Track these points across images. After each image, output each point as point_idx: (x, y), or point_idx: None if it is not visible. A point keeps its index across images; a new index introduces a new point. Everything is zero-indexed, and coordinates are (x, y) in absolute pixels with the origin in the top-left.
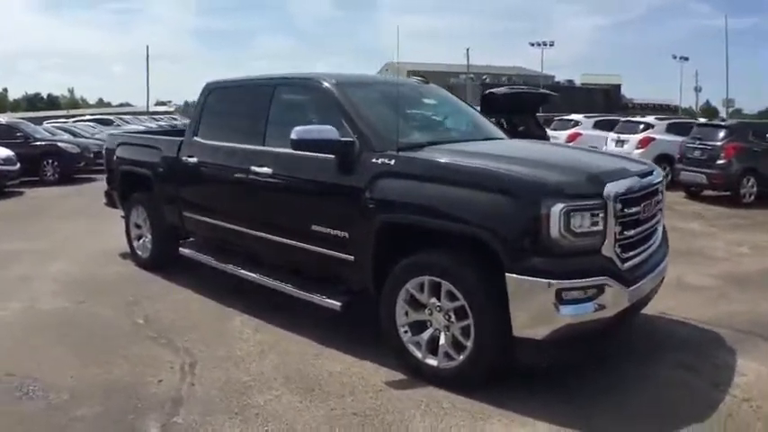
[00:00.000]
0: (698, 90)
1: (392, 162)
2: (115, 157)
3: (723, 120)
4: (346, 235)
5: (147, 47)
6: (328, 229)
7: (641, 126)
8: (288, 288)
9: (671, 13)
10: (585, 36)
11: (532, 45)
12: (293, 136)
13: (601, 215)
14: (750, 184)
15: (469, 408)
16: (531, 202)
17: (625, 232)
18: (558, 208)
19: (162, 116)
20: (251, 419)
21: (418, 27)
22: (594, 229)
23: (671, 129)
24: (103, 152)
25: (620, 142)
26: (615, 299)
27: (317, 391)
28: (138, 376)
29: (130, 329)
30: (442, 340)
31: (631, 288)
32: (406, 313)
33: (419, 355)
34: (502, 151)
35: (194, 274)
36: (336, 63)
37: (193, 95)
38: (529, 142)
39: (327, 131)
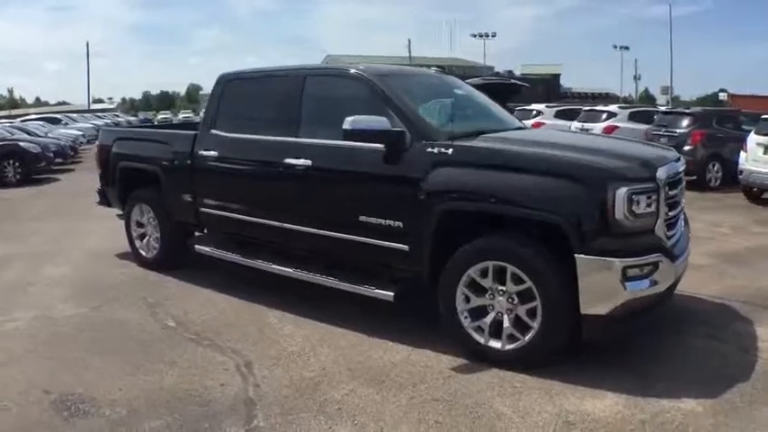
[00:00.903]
0: (637, 78)
1: (450, 151)
2: (112, 154)
3: (687, 108)
4: (400, 224)
5: (88, 43)
6: (379, 220)
7: (604, 115)
8: (333, 281)
9: (610, 1)
10: (525, 26)
11: (474, 36)
12: (347, 126)
13: (654, 197)
14: (716, 169)
15: (541, 385)
16: (598, 186)
17: (669, 213)
18: (622, 191)
19: (105, 113)
20: (335, 415)
21: (358, 17)
22: (650, 210)
23: (633, 117)
24: (96, 149)
25: (584, 131)
26: (666, 274)
27: (387, 381)
28: (194, 382)
29: (164, 333)
30: (506, 323)
31: (676, 264)
32: (467, 299)
33: (481, 339)
34: (552, 139)
35: (206, 271)
36: (273, 55)
37: (131, 92)
38: (561, 131)
39: (380, 122)
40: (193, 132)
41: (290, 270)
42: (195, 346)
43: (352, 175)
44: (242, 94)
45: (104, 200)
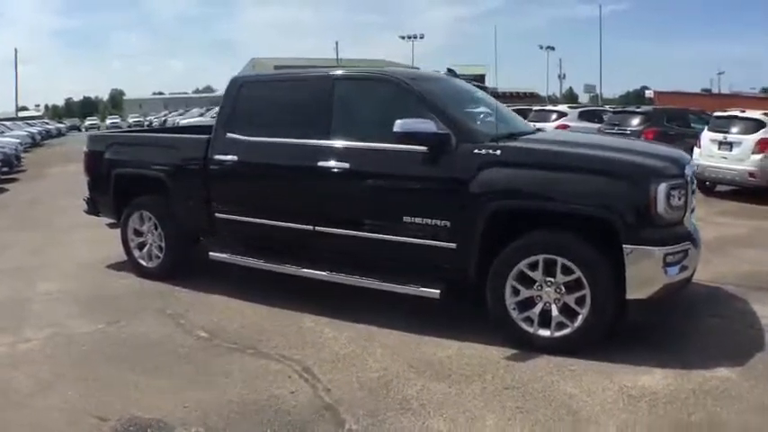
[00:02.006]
0: (562, 77)
1: (498, 152)
2: (104, 160)
3: (638, 106)
4: (447, 224)
5: (16, 50)
6: (425, 220)
7: (554, 115)
8: (375, 283)
9: (534, 2)
10: (449, 28)
11: (403, 38)
12: (397, 128)
13: (683, 191)
14: None
15: (594, 367)
16: (644, 183)
17: (691, 205)
18: (663, 187)
19: (34, 121)
20: (421, 411)
21: (283, 21)
22: (681, 203)
23: (583, 116)
24: (84, 155)
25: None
26: (693, 260)
27: (453, 375)
28: (260, 391)
29: (200, 344)
30: (554, 312)
31: (698, 250)
32: (516, 291)
33: (530, 329)
34: (585, 140)
35: (214, 279)
36: (198, 59)
37: (54, 98)
38: (585, 134)
39: (427, 124)
40: (206, 136)
41: (325, 273)
42: (241, 355)
43: (395, 177)
44: (262, 97)
45: (93, 209)
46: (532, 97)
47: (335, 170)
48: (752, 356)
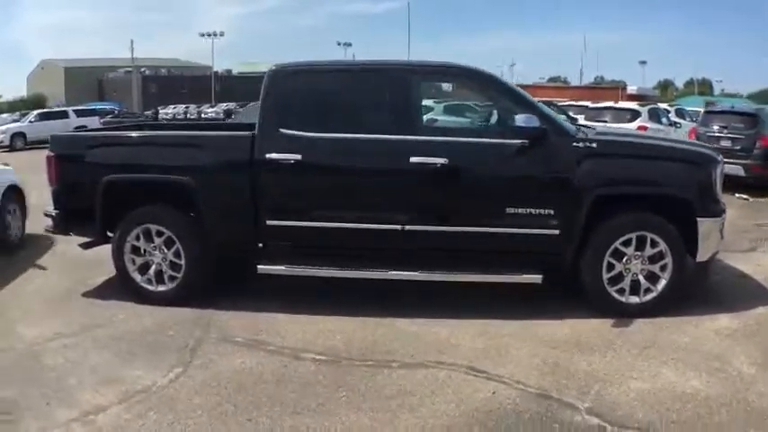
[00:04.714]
0: None
1: (594, 145)
2: (85, 165)
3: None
4: (551, 211)
5: None
6: (529, 210)
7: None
8: (477, 276)
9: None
10: (236, 25)
11: (203, 35)
12: (522, 123)
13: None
14: None
15: (680, 321)
16: (708, 167)
17: None
18: (718, 170)
19: None
20: (609, 378)
21: (69, 21)
22: (720, 182)
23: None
24: (48, 160)
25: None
26: (724, 230)
27: (593, 347)
28: (472, 400)
29: (332, 368)
30: (642, 280)
31: None
32: (610, 267)
33: (622, 298)
34: (647, 134)
35: (232, 294)
36: None
37: None
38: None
39: (534, 119)
40: (249, 133)
41: (417, 273)
42: (392, 371)
43: (498, 169)
44: (322, 88)
45: (62, 226)
46: None
47: (432, 166)
48: None
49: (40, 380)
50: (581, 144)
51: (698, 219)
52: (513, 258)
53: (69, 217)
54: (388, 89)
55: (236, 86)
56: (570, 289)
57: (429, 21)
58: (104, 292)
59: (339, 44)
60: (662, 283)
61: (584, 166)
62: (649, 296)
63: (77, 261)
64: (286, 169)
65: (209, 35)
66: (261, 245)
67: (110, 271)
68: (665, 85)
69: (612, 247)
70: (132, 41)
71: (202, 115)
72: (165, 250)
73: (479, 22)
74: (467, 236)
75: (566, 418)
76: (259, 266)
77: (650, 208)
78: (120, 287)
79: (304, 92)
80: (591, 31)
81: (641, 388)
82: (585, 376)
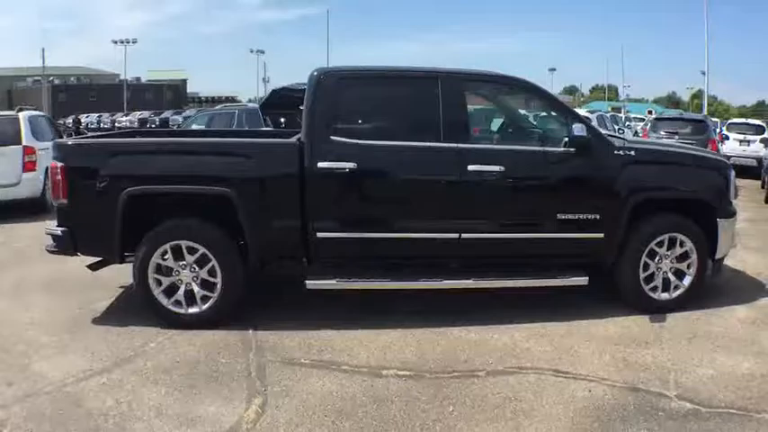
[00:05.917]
0: (266, 81)
1: (632, 153)
2: (104, 177)
3: None
4: (597, 216)
5: None
6: (578, 215)
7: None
8: (526, 281)
9: (225, 6)
10: (141, 33)
11: (115, 42)
12: (580, 132)
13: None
14: None
15: (706, 313)
16: (724, 171)
17: None
18: (732, 176)
19: None
20: (688, 362)
21: None
22: (733, 187)
23: None
24: (54, 171)
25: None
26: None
27: (648, 341)
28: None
29: (426, 386)
30: (671, 278)
31: None
32: (645, 266)
33: (655, 295)
34: (668, 143)
35: (256, 310)
36: None
37: None
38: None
39: (584, 129)
40: (296, 141)
41: (471, 281)
42: (515, 378)
43: (551, 177)
44: (374, 95)
45: (68, 245)
46: (233, 101)
47: (489, 174)
48: None
49: (97, 430)
50: (622, 152)
51: (718, 219)
52: (561, 262)
53: (78, 235)
54: (441, 97)
55: (145, 94)
56: (608, 289)
57: (344, 26)
58: (115, 316)
59: (252, 51)
60: (687, 280)
61: (625, 172)
62: (677, 292)
63: (66, 282)
64: (340, 178)
65: (122, 42)
66: (308, 259)
67: (110, 292)
68: (571, 91)
69: (649, 247)
70: (43, 50)
71: (116, 124)
72: (197, 268)
73: (382, 29)
74: (521, 242)
75: (664, 405)
76: (307, 282)
77: (676, 210)
78: (131, 309)
79: (356, 98)
80: (494, 38)
81: (708, 374)
82: (657, 368)
